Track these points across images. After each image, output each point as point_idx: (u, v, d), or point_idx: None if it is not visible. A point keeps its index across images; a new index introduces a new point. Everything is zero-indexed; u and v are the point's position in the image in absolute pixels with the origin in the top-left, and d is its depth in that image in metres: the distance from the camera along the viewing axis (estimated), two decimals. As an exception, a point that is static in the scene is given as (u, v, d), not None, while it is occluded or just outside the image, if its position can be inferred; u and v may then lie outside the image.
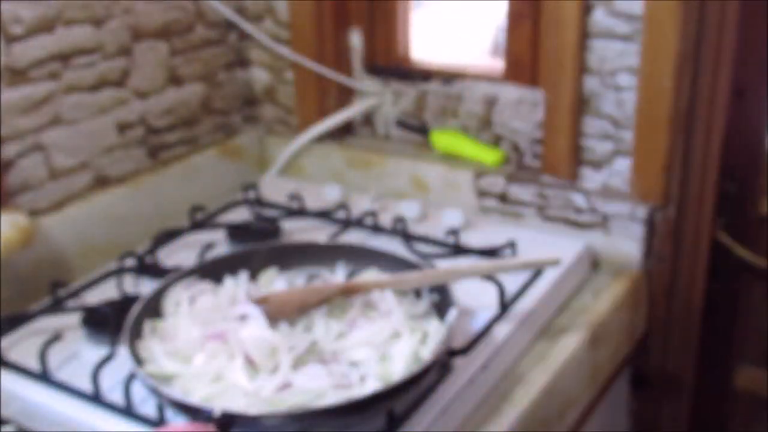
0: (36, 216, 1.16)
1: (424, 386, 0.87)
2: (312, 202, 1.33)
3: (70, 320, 1.04)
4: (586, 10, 1.14)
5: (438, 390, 0.90)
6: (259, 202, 1.34)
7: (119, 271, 1.12)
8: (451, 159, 1.35)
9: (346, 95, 1.45)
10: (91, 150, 1.23)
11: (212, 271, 1.02)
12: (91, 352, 0.99)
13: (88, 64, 1.19)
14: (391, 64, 1.41)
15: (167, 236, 1.23)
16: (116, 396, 0.90)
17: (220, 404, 0.79)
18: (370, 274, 1.02)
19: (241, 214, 1.31)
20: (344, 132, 1.47)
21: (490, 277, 1.02)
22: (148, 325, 0.94)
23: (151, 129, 1.32)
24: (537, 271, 1.10)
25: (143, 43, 1.27)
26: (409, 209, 1.28)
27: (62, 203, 1.20)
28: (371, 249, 1.06)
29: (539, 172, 1.27)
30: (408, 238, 1.19)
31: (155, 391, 0.83)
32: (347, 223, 1.24)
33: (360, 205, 1.30)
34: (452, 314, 0.90)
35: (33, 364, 0.96)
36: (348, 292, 0.95)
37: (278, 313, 0.92)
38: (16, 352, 1.00)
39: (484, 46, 1.49)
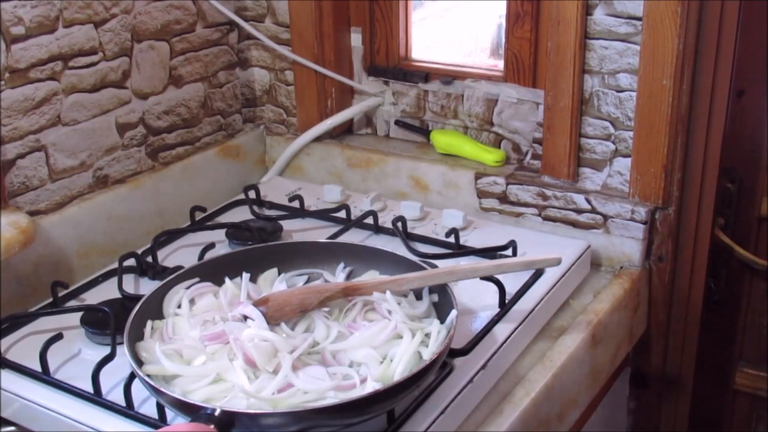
0: (36, 216, 1.16)
1: (424, 386, 0.87)
2: (312, 202, 1.33)
3: (70, 320, 1.04)
4: (586, 10, 1.14)
5: (438, 390, 0.90)
6: (259, 202, 1.34)
7: (119, 271, 1.12)
8: (451, 159, 1.35)
9: (346, 95, 1.45)
10: (91, 150, 1.23)
11: (212, 271, 1.02)
12: (91, 352, 0.99)
13: (88, 64, 1.19)
14: (391, 65, 1.41)
15: (167, 236, 1.23)
16: (116, 396, 0.90)
17: (220, 405, 0.79)
18: (370, 275, 1.02)
19: (241, 214, 1.31)
20: (344, 132, 1.47)
21: (489, 277, 1.02)
22: (148, 326, 0.94)
23: (151, 129, 1.32)
24: (537, 271, 1.10)
25: (143, 43, 1.27)
26: (409, 209, 1.27)
27: (62, 203, 1.20)
28: (371, 249, 1.06)
29: (539, 172, 1.27)
30: (408, 238, 1.19)
31: (155, 391, 0.82)
32: (347, 223, 1.24)
33: (360, 205, 1.30)
34: (453, 315, 0.90)
35: (33, 364, 0.96)
36: (348, 292, 0.95)
37: (278, 313, 0.92)
38: (16, 352, 1.00)
39: (484, 46, 1.49)
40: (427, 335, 0.90)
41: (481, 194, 1.30)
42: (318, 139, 1.44)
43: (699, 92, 1.15)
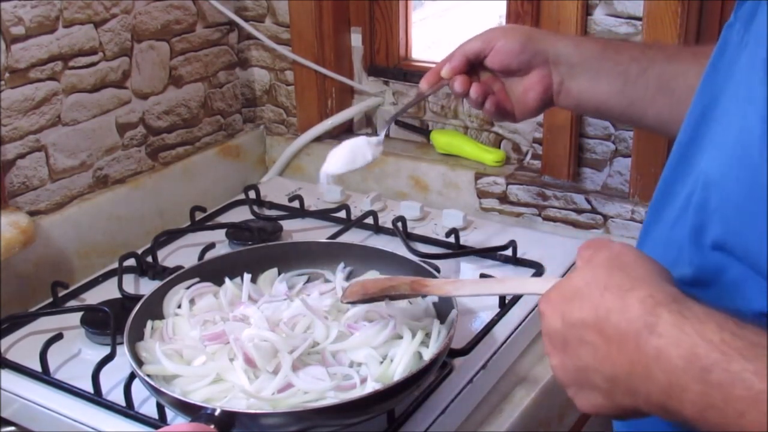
0: (36, 216, 1.16)
1: (424, 386, 0.87)
2: (312, 202, 1.33)
3: (70, 320, 1.04)
4: (586, 10, 1.14)
5: (438, 390, 0.90)
6: (259, 202, 1.34)
7: (119, 271, 1.12)
8: (451, 159, 1.35)
9: (346, 95, 1.45)
10: (91, 150, 1.23)
11: (212, 271, 1.02)
12: (91, 352, 0.99)
13: (88, 64, 1.19)
14: (391, 65, 1.41)
15: (167, 236, 1.23)
16: (116, 396, 0.90)
17: (220, 405, 0.79)
18: (370, 275, 1.02)
19: (241, 214, 1.31)
20: (344, 132, 1.47)
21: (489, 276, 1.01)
22: (148, 326, 0.94)
23: (151, 129, 1.32)
24: (537, 270, 1.10)
25: (143, 43, 1.27)
26: (409, 209, 1.27)
27: (62, 203, 1.20)
28: (371, 249, 1.06)
29: (539, 172, 1.27)
30: (408, 238, 1.19)
31: (155, 391, 0.82)
32: (347, 223, 1.24)
33: (360, 205, 1.30)
34: (453, 315, 0.90)
35: (33, 364, 0.96)
36: (415, 287, 0.87)
37: (361, 290, 0.89)
38: (16, 352, 1.00)
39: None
40: (427, 335, 0.90)
41: (481, 194, 1.30)
42: (318, 139, 1.44)
43: (699, 92, 1.15)
